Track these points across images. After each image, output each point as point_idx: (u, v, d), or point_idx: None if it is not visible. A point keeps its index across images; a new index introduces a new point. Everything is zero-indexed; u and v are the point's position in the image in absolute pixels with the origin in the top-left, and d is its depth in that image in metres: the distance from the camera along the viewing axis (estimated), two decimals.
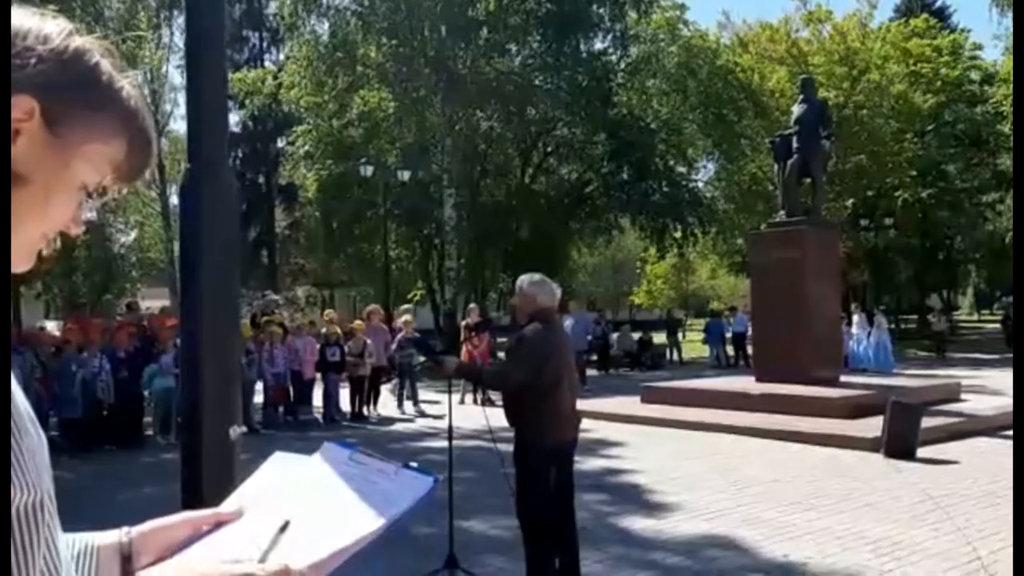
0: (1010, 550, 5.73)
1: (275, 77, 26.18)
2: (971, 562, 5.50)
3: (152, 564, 0.98)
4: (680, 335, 27.16)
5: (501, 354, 20.97)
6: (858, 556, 5.73)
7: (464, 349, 14.84)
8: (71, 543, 0.96)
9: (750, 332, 22.04)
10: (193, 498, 2.46)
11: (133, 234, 31.05)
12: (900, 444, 9.22)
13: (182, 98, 31.26)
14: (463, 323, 17.23)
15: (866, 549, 5.88)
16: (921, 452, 9.25)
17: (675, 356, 25.38)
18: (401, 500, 1.01)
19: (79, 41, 0.85)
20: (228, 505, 1.06)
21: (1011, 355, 25.15)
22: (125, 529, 1.00)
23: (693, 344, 27.38)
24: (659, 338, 26.03)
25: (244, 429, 2.64)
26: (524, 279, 5.04)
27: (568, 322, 18.55)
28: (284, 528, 0.98)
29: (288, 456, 1.12)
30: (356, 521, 0.99)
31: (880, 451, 9.34)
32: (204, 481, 2.50)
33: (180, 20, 24.86)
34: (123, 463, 10.15)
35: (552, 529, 4.86)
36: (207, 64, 2.71)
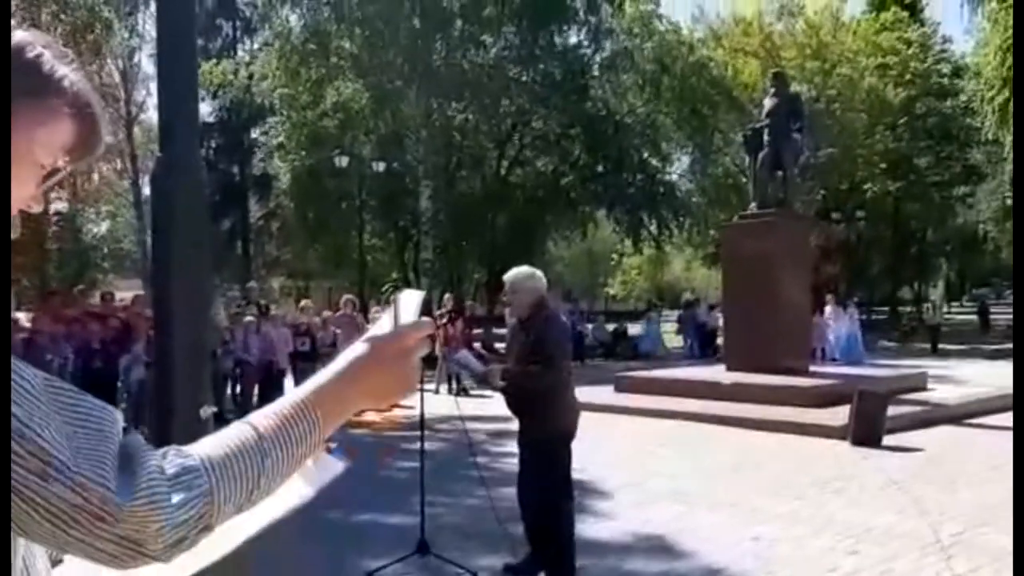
0: (970, 532, 5.89)
1: (247, 67, 25.97)
2: (932, 544, 5.64)
3: None
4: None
5: (477, 345, 21.07)
6: (824, 539, 5.85)
7: (441, 333, 14.94)
8: None
9: (713, 323, 22.52)
10: None
11: (105, 225, 30.80)
12: (867, 432, 9.38)
13: (154, 87, 30.97)
14: (438, 312, 17.27)
15: (831, 532, 6.00)
16: (887, 440, 9.41)
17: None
18: (316, 479, 1.08)
19: (19, 35, 0.91)
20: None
21: (983, 346, 25.54)
22: None
23: (667, 335, 27.49)
24: (634, 329, 26.18)
25: (214, 409, 2.69)
26: (514, 274, 5.06)
27: None
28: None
29: None
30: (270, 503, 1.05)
31: (847, 439, 9.50)
32: None
33: (152, 7, 24.60)
34: None
35: (565, 512, 5.01)
36: (178, 59, 2.73)
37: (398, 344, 1.04)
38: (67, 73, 0.94)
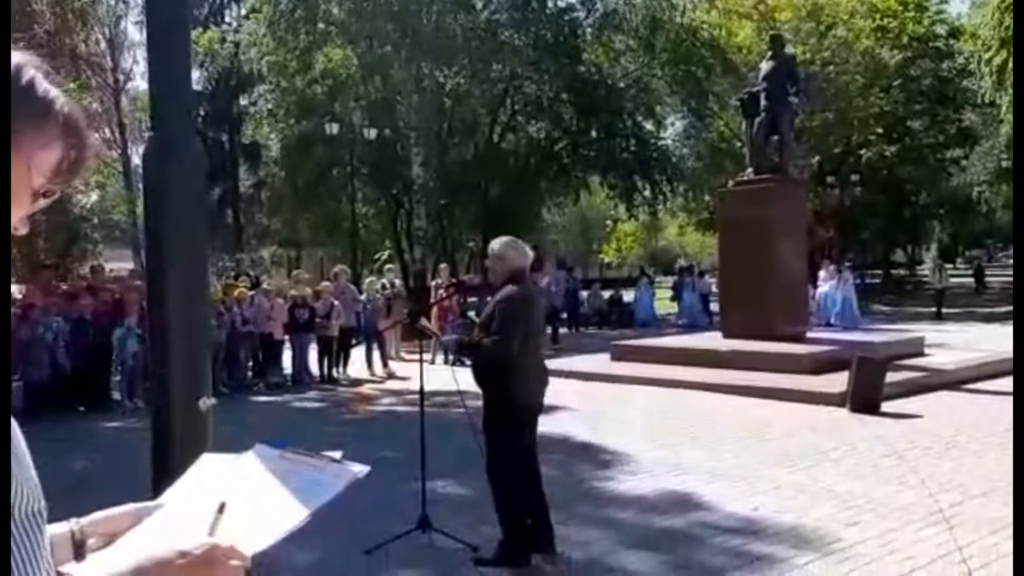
0: (970, 502, 5.89)
1: (235, 34, 25.57)
2: (933, 514, 5.63)
3: (102, 548, 1.07)
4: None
5: (471, 313, 21.00)
6: (823, 509, 5.83)
7: (436, 309, 14.82)
8: None
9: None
10: (164, 475, 2.42)
11: (94, 195, 30.47)
12: (865, 399, 9.38)
13: (140, 54, 30.53)
14: (434, 283, 17.19)
15: (831, 502, 5.99)
16: (885, 406, 9.41)
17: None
18: (330, 488, 1.10)
19: (17, 58, 0.92)
20: (166, 499, 1.14)
21: (978, 308, 25.55)
22: (74, 520, 1.09)
23: (661, 301, 27.49)
24: (628, 295, 26.15)
25: (214, 401, 2.61)
26: (496, 242, 5.15)
27: (545, 280, 18.64)
28: (222, 509, 1.05)
29: (219, 456, 1.20)
30: (288, 511, 1.07)
31: (845, 406, 9.50)
32: (175, 457, 2.45)
33: None
34: (89, 427, 10.05)
35: (524, 487, 4.93)
36: (170, 36, 2.61)
37: (208, 557, 1.00)
38: (58, 94, 0.94)
